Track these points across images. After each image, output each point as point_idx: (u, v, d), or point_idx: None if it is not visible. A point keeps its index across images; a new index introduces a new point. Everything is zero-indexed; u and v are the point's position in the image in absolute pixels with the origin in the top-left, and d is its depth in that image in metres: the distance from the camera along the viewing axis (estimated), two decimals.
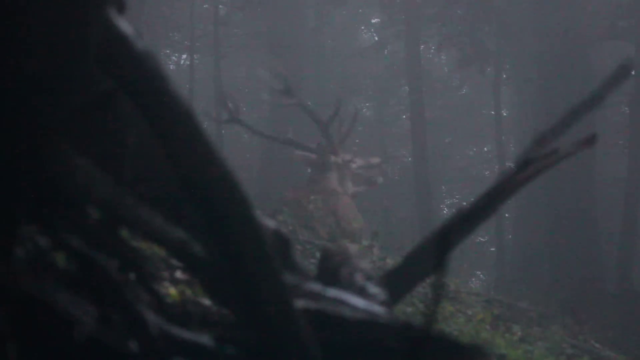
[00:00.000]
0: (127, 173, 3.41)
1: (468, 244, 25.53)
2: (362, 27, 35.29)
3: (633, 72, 17.42)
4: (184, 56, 31.41)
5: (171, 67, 31.61)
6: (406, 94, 25.31)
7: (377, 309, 3.48)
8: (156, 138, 2.99)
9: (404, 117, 31.40)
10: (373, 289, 3.91)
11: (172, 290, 3.70)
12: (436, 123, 31.71)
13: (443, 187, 33.96)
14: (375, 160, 14.30)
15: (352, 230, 12.65)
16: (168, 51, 29.77)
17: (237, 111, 14.24)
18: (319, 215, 12.61)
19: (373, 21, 34.10)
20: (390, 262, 9.76)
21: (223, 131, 20.85)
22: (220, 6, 24.62)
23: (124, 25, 2.85)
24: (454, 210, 4.38)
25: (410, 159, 27.77)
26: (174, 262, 3.86)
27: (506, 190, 4.22)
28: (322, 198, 12.94)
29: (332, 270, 4.03)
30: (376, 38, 31.81)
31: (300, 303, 3.26)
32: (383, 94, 31.93)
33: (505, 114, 27.84)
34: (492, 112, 24.25)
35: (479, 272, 31.27)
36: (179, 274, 3.91)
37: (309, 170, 13.99)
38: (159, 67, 2.90)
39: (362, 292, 3.81)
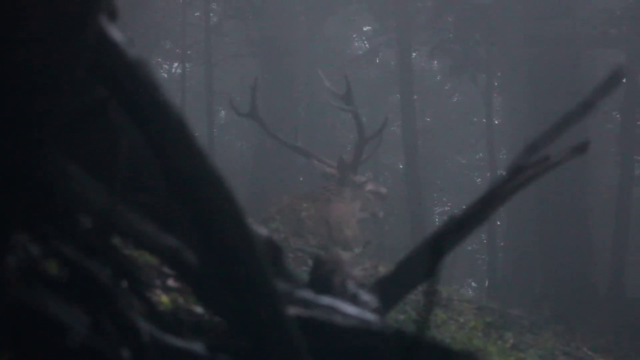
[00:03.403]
0: (119, 181, 3.41)
1: (460, 251, 25.55)
2: (354, 35, 35.30)
3: (624, 80, 17.47)
4: (176, 64, 31.38)
5: (163, 75, 31.58)
6: (398, 102, 25.31)
7: (369, 316, 3.48)
8: (148, 146, 2.99)
9: (396, 124, 31.40)
10: (365, 296, 3.91)
11: (165, 298, 3.70)
12: (428, 131, 31.73)
13: (435, 195, 33.97)
14: (384, 190, 14.24)
15: (344, 238, 12.64)
16: (160, 59, 29.74)
17: (256, 108, 14.05)
18: (311, 223, 12.60)
19: (365, 29, 34.11)
20: (383, 269, 9.76)
21: (215, 139, 20.85)
22: (212, 14, 24.60)
23: (116, 33, 2.86)
24: (445, 217, 4.39)
25: (401, 166, 27.79)
26: (166, 270, 3.86)
27: (498, 197, 4.22)
28: (316, 206, 12.94)
29: (324, 277, 4.03)
30: (367, 46, 31.83)
31: (292, 311, 3.26)
32: (375, 102, 31.94)
33: (497, 122, 27.87)
34: (484, 120, 24.27)
35: (471, 280, 31.30)
36: (171, 282, 3.91)
37: (326, 180, 13.84)
38: (150, 75, 2.91)
39: (354, 299, 3.81)
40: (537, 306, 16.92)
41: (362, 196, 13.67)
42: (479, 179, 33.53)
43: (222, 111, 34.40)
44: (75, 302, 2.89)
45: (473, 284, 31.02)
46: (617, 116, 22.03)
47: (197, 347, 3.10)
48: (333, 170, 13.58)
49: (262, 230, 3.79)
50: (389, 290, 4.31)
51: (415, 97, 24.06)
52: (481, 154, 32.72)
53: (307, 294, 3.53)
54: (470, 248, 31.10)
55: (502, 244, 24.86)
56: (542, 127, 4.14)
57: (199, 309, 3.65)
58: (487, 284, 22.81)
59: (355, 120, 13.67)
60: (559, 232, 18.23)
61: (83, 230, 3.25)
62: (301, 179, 24.07)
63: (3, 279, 2.74)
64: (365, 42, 33.88)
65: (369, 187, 13.82)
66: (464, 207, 4.35)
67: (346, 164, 13.50)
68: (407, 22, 22.91)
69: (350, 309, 3.46)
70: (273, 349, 3.12)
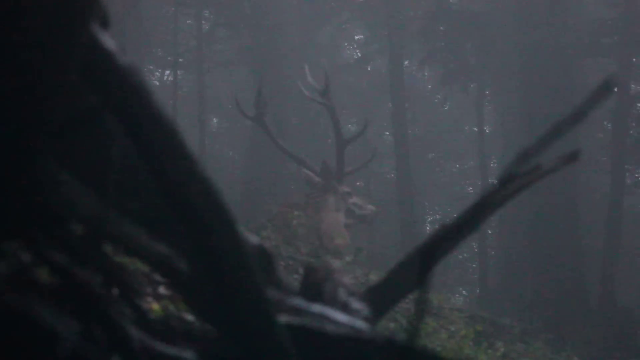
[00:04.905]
0: (111, 188, 3.41)
1: (451, 260, 25.57)
2: (346, 44, 35.33)
3: (616, 89, 17.51)
4: (168, 72, 31.38)
5: (155, 82, 31.58)
6: (389, 110, 25.35)
7: (360, 324, 3.48)
8: (139, 154, 2.99)
9: (387, 133, 31.43)
10: (356, 304, 3.91)
11: (155, 306, 3.69)
12: (419, 139, 31.77)
13: (426, 203, 33.98)
14: (371, 207, 14.16)
15: (335, 246, 12.64)
16: (151, 67, 29.73)
17: (262, 113, 14.06)
18: (302, 231, 12.60)
19: (356, 37, 34.16)
20: (374, 277, 9.76)
21: (206, 147, 20.87)
22: (204, 22, 24.63)
23: (108, 40, 2.86)
24: (437, 226, 4.40)
25: (393, 175, 27.80)
26: (157, 277, 3.86)
27: (489, 206, 4.22)
28: (307, 214, 12.93)
29: (316, 285, 4.03)
30: (359, 54, 31.86)
31: (283, 318, 3.25)
32: (366, 110, 31.97)
33: (488, 131, 27.93)
34: (475, 129, 24.33)
35: (461, 288, 31.31)
36: (162, 290, 3.91)
37: (310, 188, 13.82)
38: (142, 82, 2.90)
39: (345, 307, 3.81)
40: (527, 315, 16.94)
41: (346, 206, 13.62)
42: (470, 188, 33.57)
43: (214, 119, 34.39)
44: (66, 309, 2.88)
45: (464, 292, 31.03)
46: (609, 125, 22.09)
47: (188, 354, 3.09)
48: (317, 178, 13.55)
49: (253, 238, 3.79)
50: (380, 298, 4.31)
51: (406, 105, 24.10)
52: (472, 163, 32.76)
53: (298, 302, 3.52)
54: (461, 256, 31.12)
55: (493, 252, 24.90)
56: (534, 136, 4.15)
57: (190, 317, 3.64)
58: (478, 292, 22.84)
59: (331, 118, 13.67)
60: (550, 241, 18.25)
61: (74, 238, 3.24)
62: (292, 187, 24.07)
63: None
64: (357, 51, 33.92)
65: (355, 200, 13.78)
66: (455, 215, 4.35)
67: (329, 171, 13.47)
68: (399, 30, 22.95)
69: (341, 317, 3.46)
70: (264, 356, 3.12)
